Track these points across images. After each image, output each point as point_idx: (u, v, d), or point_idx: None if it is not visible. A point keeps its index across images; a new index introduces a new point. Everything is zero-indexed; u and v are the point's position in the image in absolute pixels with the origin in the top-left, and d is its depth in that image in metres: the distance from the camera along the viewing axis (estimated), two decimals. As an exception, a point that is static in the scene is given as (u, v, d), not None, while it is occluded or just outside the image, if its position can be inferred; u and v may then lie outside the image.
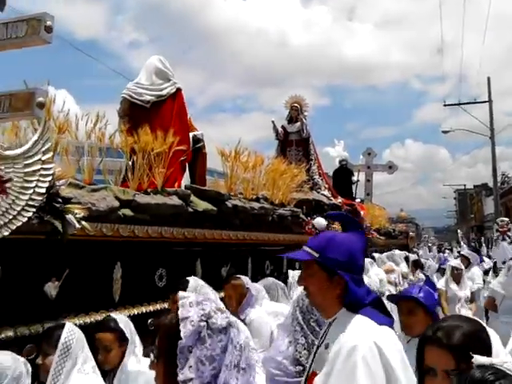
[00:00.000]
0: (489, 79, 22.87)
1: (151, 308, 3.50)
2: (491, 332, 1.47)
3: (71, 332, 2.15)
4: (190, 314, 1.21)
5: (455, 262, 6.97)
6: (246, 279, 3.47)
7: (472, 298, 6.66)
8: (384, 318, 1.71)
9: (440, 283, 6.76)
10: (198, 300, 1.26)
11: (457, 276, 6.50)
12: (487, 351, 1.33)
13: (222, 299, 3.49)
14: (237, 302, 3.29)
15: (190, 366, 1.15)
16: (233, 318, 1.25)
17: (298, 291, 3.34)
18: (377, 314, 1.72)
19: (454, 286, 6.45)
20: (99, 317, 2.96)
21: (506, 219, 7.68)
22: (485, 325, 1.50)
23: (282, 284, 3.82)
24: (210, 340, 1.18)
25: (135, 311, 3.36)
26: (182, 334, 1.17)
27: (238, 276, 3.53)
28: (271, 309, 3.50)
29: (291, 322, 2.31)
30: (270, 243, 5.65)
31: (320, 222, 1.61)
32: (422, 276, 8.35)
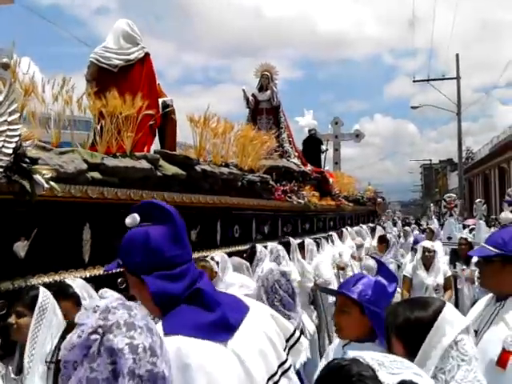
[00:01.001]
0: (457, 56, 23.22)
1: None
2: (456, 315, 1.54)
3: (46, 296, 2.22)
4: (86, 321, 0.99)
5: (428, 243, 6.36)
6: (214, 264, 3.67)
7: (446, 285, 5.99)
8: (190, 321, 1.42)
9: (407, 269, 6.25)
10: (113, 305, 1.02)
11: (428, 260, 5.98)
12: (417, 340, 1.48)
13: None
14: None
15: None
16: (138, 341, 0.99)
17: (264, 268, 3.52)
18: (183, 314, 1.45)
19: (422, 272, 5.94)
20: (68, 275, 3.04)
21: (454, 195, 7.75)
22: (447, 308, 1.54)
23: (248, 263, 4.00)
24: (100, 360, 0.96)
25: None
26: (61, 345, 0.99)
27: (207, 259, 3.72)
28: (236, 280, 3.69)
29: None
30: (239, 207, 5.77)
31: (129, 220, 1.32)
32: (370, 263, 7.19)
